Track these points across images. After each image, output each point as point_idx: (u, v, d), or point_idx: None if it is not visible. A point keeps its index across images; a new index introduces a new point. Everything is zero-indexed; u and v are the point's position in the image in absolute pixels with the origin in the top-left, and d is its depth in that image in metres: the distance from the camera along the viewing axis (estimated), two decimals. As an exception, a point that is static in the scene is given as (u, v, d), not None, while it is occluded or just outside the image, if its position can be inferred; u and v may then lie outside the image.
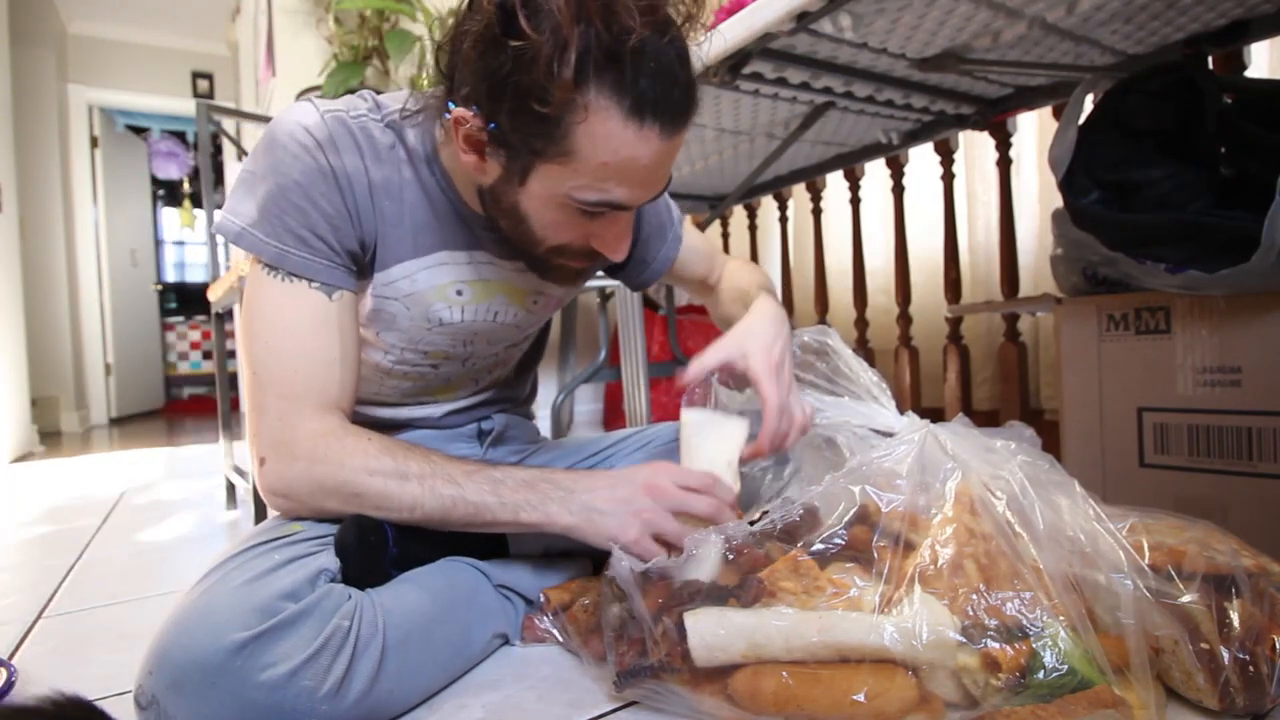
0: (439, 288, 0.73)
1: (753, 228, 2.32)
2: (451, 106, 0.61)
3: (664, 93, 0.58)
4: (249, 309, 0.67)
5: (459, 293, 0.74)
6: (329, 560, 0.62)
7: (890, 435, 0.66)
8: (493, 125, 0.59)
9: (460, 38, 0.59)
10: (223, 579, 0.56)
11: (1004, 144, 1.56)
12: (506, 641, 0.72)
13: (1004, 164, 1.57)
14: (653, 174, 0.62)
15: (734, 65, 1.09)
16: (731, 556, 0.59)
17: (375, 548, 0.66)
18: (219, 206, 0.81)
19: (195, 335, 5.79)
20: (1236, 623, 0.51)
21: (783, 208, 2.22)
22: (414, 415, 0.83)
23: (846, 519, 0.58)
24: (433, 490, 0.63)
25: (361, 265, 0.70)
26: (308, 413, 0.65)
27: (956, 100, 1.36)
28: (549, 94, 0.54)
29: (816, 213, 2.05)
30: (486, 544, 0.75)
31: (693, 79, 0.61)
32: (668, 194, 0.83)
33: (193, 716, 0.50)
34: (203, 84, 4.65)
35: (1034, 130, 1.75)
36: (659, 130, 0.59)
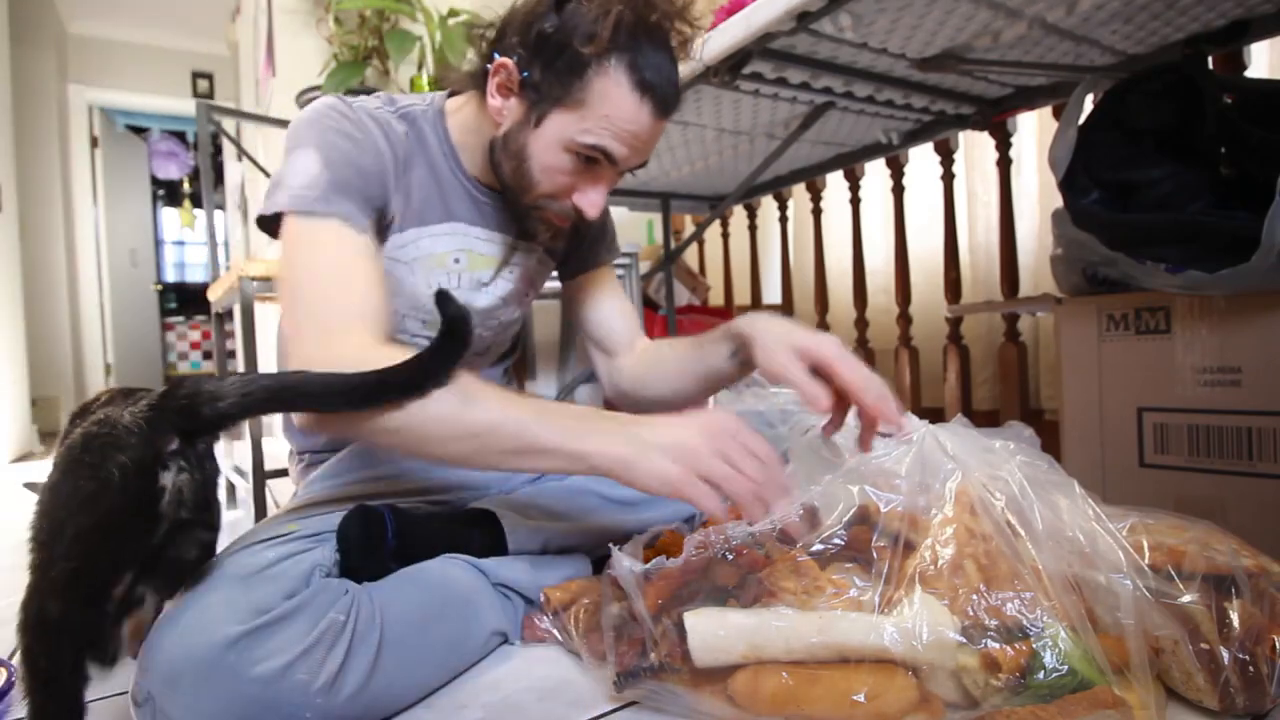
0: (441, 255, 0.81)
1: (753, 228, 2.32)
2: (496, 56, 0.73)
3: (663, 82, 0.71)
4: (287, 254, 0.68)
5: (457, 260, 0.82)
6: (324, 556, 0.63)
7: (890, 436, 0.66)
8: (525, 74, 0.72)
9: (516, 10, 0.73)
10: (217, 577, 0.57)
11: (1004, 144, 1.56)
12: (505, 640, 0.72)
13: (1004, 164, 1.57)
14: (640, 142, 0.73)
15: (734, 65, 1.09)
16: (730, 556, 0.59)
17: (376, 540, 0.67)
18: (219, 206, 0.84)
19: (195, 335, 5.78)
20: (1236, 623, 0.51)
21: (783, 208, 2.22)
22: None
23: (846, 519, 0.58)
24: (469, 408, 0.59)
25: (380, 226, 0.76)
26: (347, 330, 0.64)
27: (956, 100, 1.36)
28: (584, 49, 0.68)
29: (816, 213, 2.05)
30: (485, 542, 0.75)
31: (679, 86, 0.75)
32: (611, 237, 0.98)
33: (187, 712, 0.51)
34: (203, 84, 4.65)
35: (1034, 130, 1.75)
36: (651, 109, 0.71)
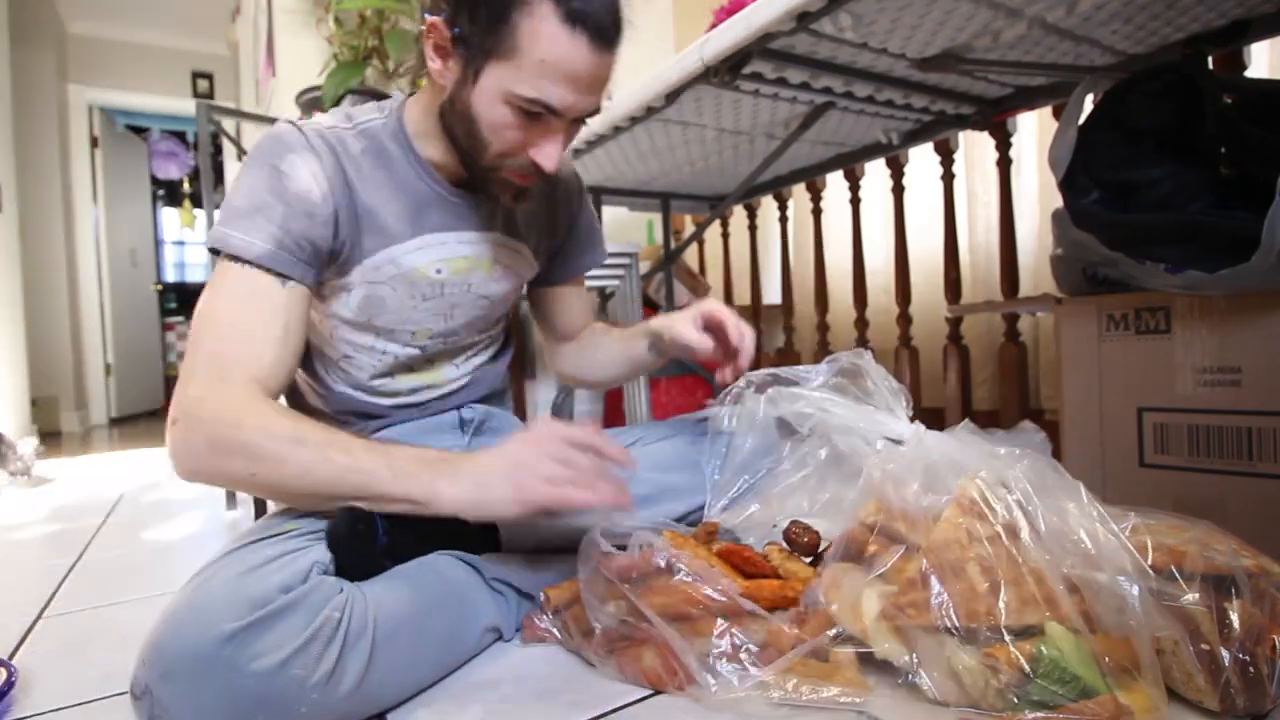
0: (421, 268, 0.80)
1: (753, 228, 2.32)
2: (427, 17, 0.71)
3: (595, 8, 0.68)
4: (207, 289, 0.70)
5: (438, 270, 0.82)
6: (321, 554, 0.63)
7: (900, 442, 0.66)
8: (456, 30, 0.70)
9: None
10: (215, 573, 0.57)
11: (1004, 144, 1.56)
12: (500, 636, 0.72)
13: (1004, 164, 1.57)
14: (583, 83, 0.70)
15: (734, 65, 1.09)
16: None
17: (364, 536, 0.67)
18: (219, 206, 0.84)
19: (195, 335, 5.77)
20: (1236, 623, 0.51)
21: (783, 208, 2.22)
22: (399, 400, 0.86)
23: (850, 521, 0.58)
24: (326, 457, 0.62)
25: (338, 259, 0.76)
26: (231, 382, 0.66)
27: (956, 100, 1.36)
28: None
29: (816, 213, 2.05)
30: (479, 539, 0.75)
31: (619, 10, 0.72)
32: (601, 242, 1.03)
33: (185, 706, 0.51)
34: (203, 84, 4.65)
35: (1034, 130, 1.75)
36: (588, 41, 0.68)
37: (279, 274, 0.70)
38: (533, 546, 0.79)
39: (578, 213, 0.99)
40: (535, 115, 0.71)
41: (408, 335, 0.83)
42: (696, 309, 0.85)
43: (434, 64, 0.74)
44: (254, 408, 0.64)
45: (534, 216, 0.93)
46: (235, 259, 0.69)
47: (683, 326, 0.84)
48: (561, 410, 1.89)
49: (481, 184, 0.79)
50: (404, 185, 0.80)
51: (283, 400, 0.74)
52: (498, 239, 0.87)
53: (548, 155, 0.74)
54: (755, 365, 0.84)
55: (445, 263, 0.82)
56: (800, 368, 0.78)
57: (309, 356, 0.85)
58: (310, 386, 0.87)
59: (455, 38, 0.70)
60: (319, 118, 0.79)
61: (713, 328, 0.83)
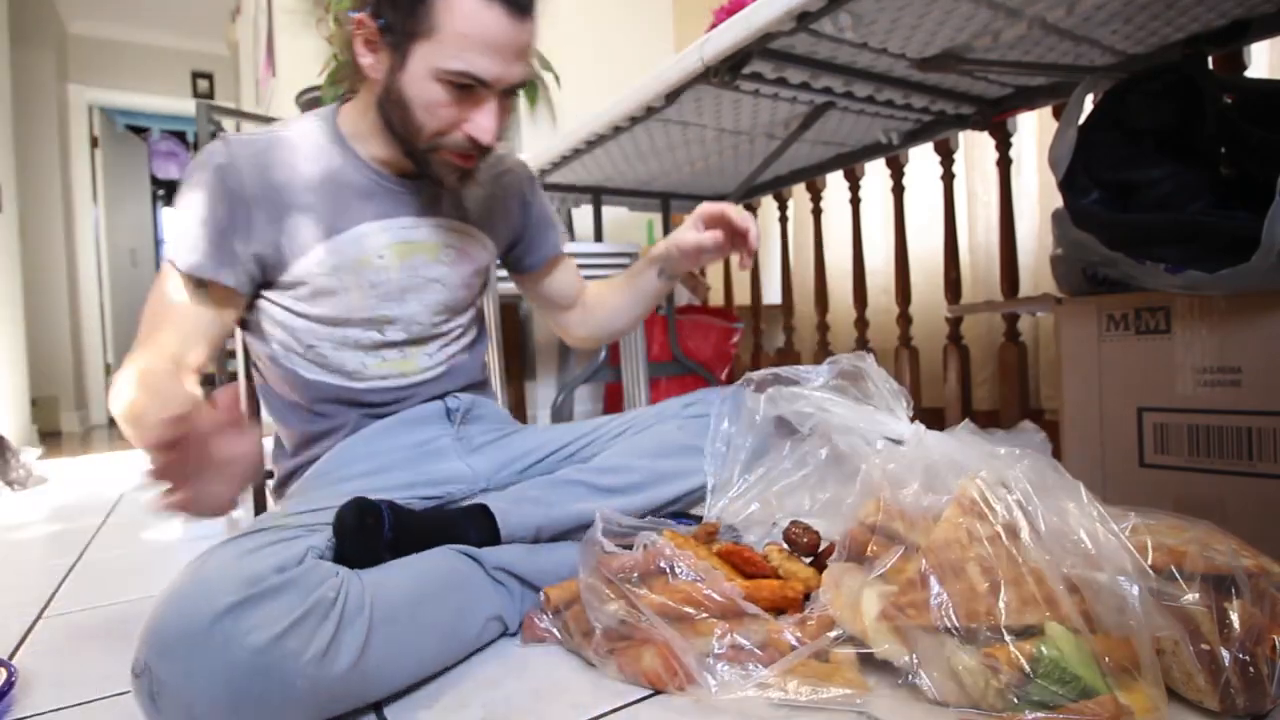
0: (365, 256, 0.83)
1: (753, 228, 2.32)
2: (353, 15, 0.76)
3: None
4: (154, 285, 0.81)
5: (381, 257, 0.84)
6: (317, 542, 0.64)
7: (900, 442, 0.66)
8: (381, 20, 0.74)
9: None
10: (211, 556, 0.58)
11: (1004, 144, 1.56)
12: (504, 627, 0.72)
13: (1004, 164, 1.57)
14: (504, 52, 0.74)
15: (734, 65, 1.09)
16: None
17: (371, 530, 0.68)
18: None
19: (195, 335, 5.78)
20: (1236, 623, 0.51)
21: (783, 208, 2.22)
22: (372, 384, 0.88)
23: (850, 521, 0.58)
24: (118, 391, 0.72)
25: (271, 259, 0.81)
26: (147, 353, 0.76)
27: (956, 100, 1.36)
28: None
29: (816, 213, 2.05)
30: (480, 535, 0.76)
31: None
32: (559, 223, 1.06)
33: (181, 680, 0.51)
34: (203, 84, 4.65)
35: (1034, 130, 1.75)
36: (504, 9, 0.72)
37: (195, 276, 0.78)
38: (532, 538, 0.79)
39: (531, 199, 1.02)
40: (465, 89, 0.75)
41: (364, 322, 0.85)
42: (692, 215, 0.91)
43: (366, 59, 0.78)
44: (137, 366, 0.73)
45: (487, 203, 0.95)
46: (169, 262, 0.79)
47: (684, 234, 0.91)
48: (561, 410, 1.89)
49: (424, 169, 0.82)
50: (342, 179, 0.83)
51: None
52: (444, 223, 0.89)
53: (482, 128, 0.77)
54: (755, 365, 0.84)
55: (388, 248, 0.84)
56: (801, 368, 0.78)
57: (277, 351, 0.86)
58: (284, 380, 0.88)
59: (381, 29, 0.75)
60: (249, 133, 0.84)
61: (713, 223, 0.90)
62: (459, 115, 0.76)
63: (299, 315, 0.83)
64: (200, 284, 0.79)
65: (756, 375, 0.84)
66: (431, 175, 0.82)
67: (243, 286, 0.81)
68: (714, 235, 0.89)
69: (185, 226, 0.78)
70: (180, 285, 0.79)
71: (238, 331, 0.94)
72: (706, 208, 0.90)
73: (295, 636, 0.53)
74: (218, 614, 0.52)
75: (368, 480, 0.82)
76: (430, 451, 0.89)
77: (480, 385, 1.01)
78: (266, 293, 0.84)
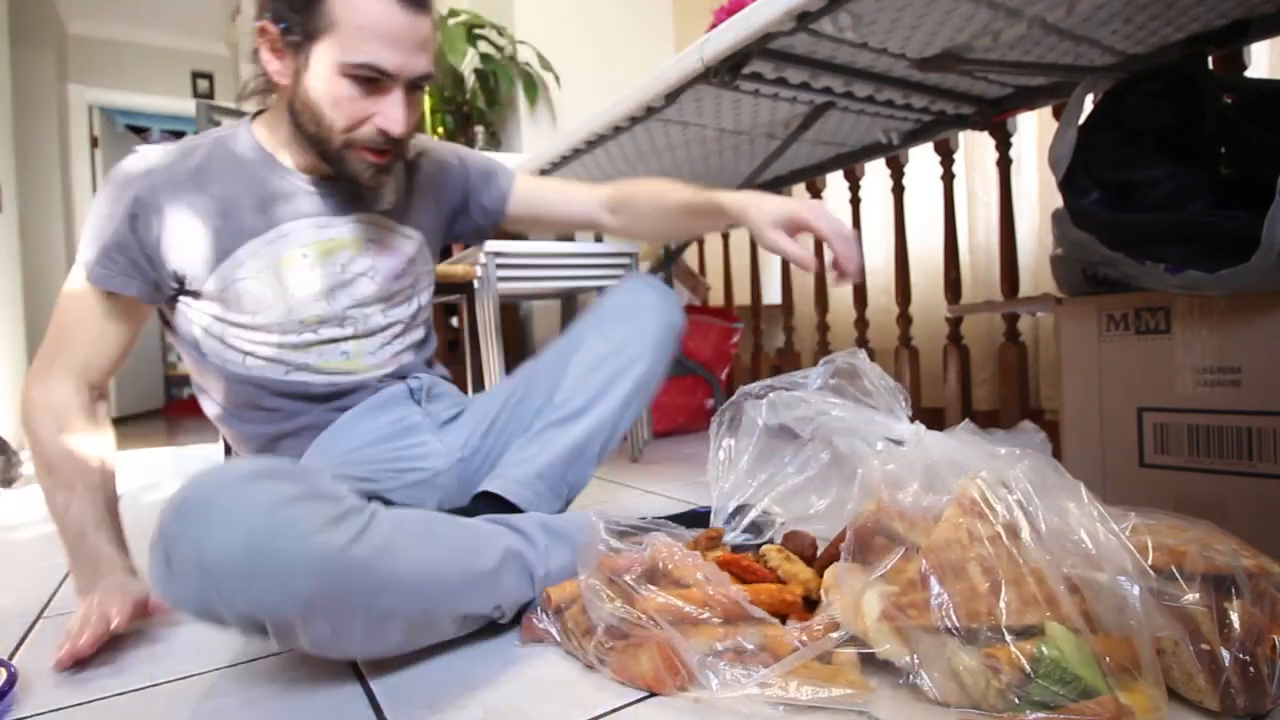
0: (285, 258, 0.84)
1: (753, 228, 2.32)
2: (255, 25, 0.78)
3: None
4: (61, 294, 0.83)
5: (304, 256, 0.86)
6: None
7: (900, 443, 0.66)
8: (283, 25, 0.76)
9: None
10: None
11: (1004, 144, 1.56)
12: (527, 570, 0.73)
13: (1004, 164, 1.57)
14: (403, 43, 0.76)
15: (734, 65, 1.09)
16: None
17: None
18: None
19: (195, 335, 5.77)
20: (1236, 623, 0.51)
21: (783, 208, 2.22)
22: (346, 381, 0.90)
23: (850, 522, 0.58)
24: (52, 499, 0.80)
25: (180, 270, 0.82)
26: (52, 369, 0.82)
27: (956, 100, 1.36)
28: None
29: (816, 213, 2.05)
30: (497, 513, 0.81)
31: None
32: (499, 165, 1.05)
33: (194, 544, 0.52)
34: (203, 84, 4.65)
35: (1034, 130, 1.75)
36: (397, 1, 0.74)
37: (100, 287, 0.81)
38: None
39: (457, 166, 1.01)
40: (370, 82, 0.77)
41: (295, 324, 0.86)
42: (783, 210, 0.82)
43: (273, 65, 0.80)
44: (50, 408, 0.80)
45: (408, 194, 0.96)
46: (80, 270, 0.81)
47: (768, 234, 0.83)
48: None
49: (341, 169, 0.82)
50: (259, 184, 0.84)
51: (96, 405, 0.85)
52: (366, 218, 0.90)
53: (391, 119, 0.78)
54: (755, 365, 0.84)
55: (310, 247, 0.86)
56: (796, 374, 0.78)
57: (216, 363, 0.87)
58: (239, 381, 0.88)
59: (283, 33, 0.77)
60: (163, 148, 0.85)
61: (800, 231, 0.83)
62: (367, 109, 0.78)
63: (232, 324, 0.85)
64: (108, 294, 0.81)
65: (753, 388, 0.84)
66: (348, 174, 0.83)
67: (148, 298, 0.83)
68: (801, 256, 0.81)
69: (94, 237, 0.80)
70: (88, 294, 0.81)
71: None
72: (800, 215, 0.81)
73: (312, 503, 0.55)
74: (239, 478, 0.54)
75: (353, 456, 0.86)
76: (404, 429, 0.92)
77: (432, 361, 1.03)
78: (195, 303, 0.85)
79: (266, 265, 0.84)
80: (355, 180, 0.83)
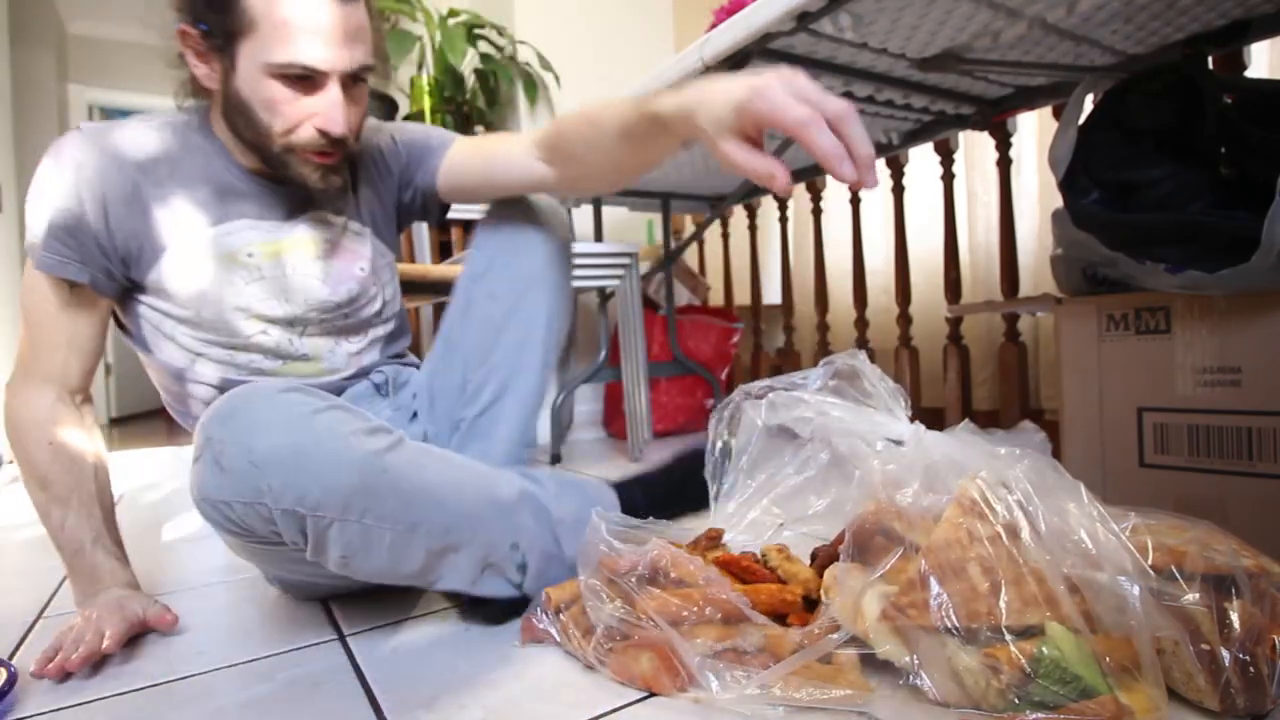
0: (233, 252, 0.81)
1: (753, 228, 2.32)
2: (176, 27, 0.75)
3: None
4: (21, 292, 0.80)
5: (250, 255, 0.82)
6: None
7: (901, 444, 0.66)
8: (203, 26, 0.73)
9: None
10: None
11: (1004, 144, 1.56)
12: (541, 507, 0.75)
13: (1004, 164, 1.57)
14: (330, 36, 0.71)
15: (734, 65, 1.09)
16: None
17: None
18: None
19: (195, 335, 5.76)
20: (1236, 623, 0.51)
21: (783, 208, 2.22)
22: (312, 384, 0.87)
23: (851, 522, 0.58)
24: (47, 513, 0.80)
25: (134, 254, 0.78)
26: (31, 379, 0.79)
27: (956, 100, 1.36)
28: None
29: (816, 213, 2.05)
30: None
31: None
32: (434, 132, 0.95)
33: (239, 439, 0.57)
34: (203, 84, 4.65)
35: (1034, 130, 1.75)
36: None
37: (60, 279, 0.76)
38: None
39: (391, 148, 0.93)
40: (303, 80, 0.72)
41: (244, 320, 0.81)
42: (733, 106, 0.56)
43: (199, 69, 0.76)
44: (34, 423, 0.78)
45: (361, 184, 0.91)
46: (35, 262, 0.76)
47: (729, 149, 0.58)
48: (561, 411, 1.89)
49: (285, 172, 0.78)
50: (210, 175, 0.81)
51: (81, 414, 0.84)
52: (317, 219, 0.86)
53: (330, 119, 0.74)
54: (755, 365, 0.83)
55: (255, 247, 0.82)
56: (796, 374, 0.77)
57: (169, 360, 0.84)
58: (196, 383, 0.85)
59: (204, 35, 0.73)
60: (119, 124, 0.81)
61: (761, 129, 0.57)
62: (303, 110, 0.74)
63: (180, 321, 0.81)
64: (65, 285, 0.77)
65: (753, 388, 0.83)
66: (294, 178, 0.78)
67: (103, 287, 0.78)
68: (767, 172, 0.56)
69: (40, 217, 0.75)
70: (44, 286, 0.77)
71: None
72: (754, 107, 0.55)
73: (346, 413, 0.62)
74: (281, 388, 0.60)
75: None
76: None
77: (402, 354, 0.99)
78: (144, 299, 0.81)
79: (214, 256, 0.80)
80: (302, 184, 0.79)
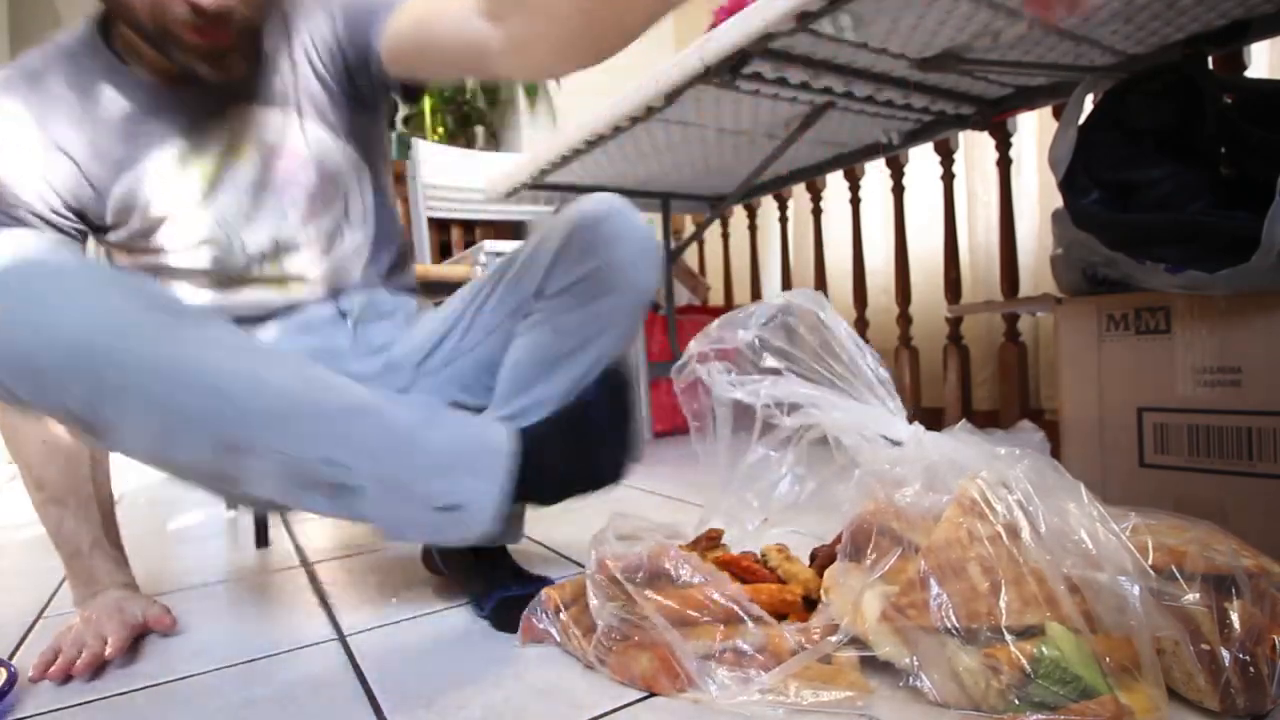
0: (168, 174, 0.75)
1: (753, 228, 2.32)
2: None
3: None
4: None
5: (182, 169, 0.75)
6: None
7: (899, 444, 0.66)
8: None
9: None
10: None
11: (1004, 144, 1.56)
12: (385, 425, 0.63)
13: (1004, 164, 1.57)
14: None
15: (734, 65, 1.09)
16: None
17: None
18: None
19: (195, 335, 5.76)
20: (1237, 623, 0.51)
21: (783, 208, 2.22)
22: (266, 301, 0.82)
23: (850, 522, 0.58)
24: (45, 511, 0.80)
25: (97, 187, 0.74)
26: None
27: (956, 100, 1.36)
28: None
29: (816, 213, 2.05)
30: None
31: None
32: None
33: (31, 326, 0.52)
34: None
35: (1034, 130, 1.75)
36: None
37: (28, 228, 0.73)
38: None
39: (332, 11, 0.79)
40: None
41: (211, 249, 0.78)
42: None
43: None
44: (28, 420, 0.75)
45: (280, 69, 0.79)
46: None
47: None
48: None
49: (175, 62, 0.69)
50: (130, 95, 0.74)
51: None
52: (240, 114, 0.77)
53: None
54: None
55: (185, 161, 0.76)
56: (739, 311, 0.73)
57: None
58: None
59: None
60: (30, 55, 0.75)
61: None
62: None
63: (156, 261, 0.77)
64: (30, 234, 0.73)
65: (694, 348, 0.77)
66: (188, 70, 0.69)
67: (71, 232, 0.75)
68: None
69: None
70: (16, 241, 0.72)
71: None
72: None
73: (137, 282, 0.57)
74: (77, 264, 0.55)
75: None
76: (326, 353, 0.78)
77: (389, 275, 0.90)
78: (108, 238, 0.77)
79: (165, 176, 0.75)
80: (195, 75, 0.69)
